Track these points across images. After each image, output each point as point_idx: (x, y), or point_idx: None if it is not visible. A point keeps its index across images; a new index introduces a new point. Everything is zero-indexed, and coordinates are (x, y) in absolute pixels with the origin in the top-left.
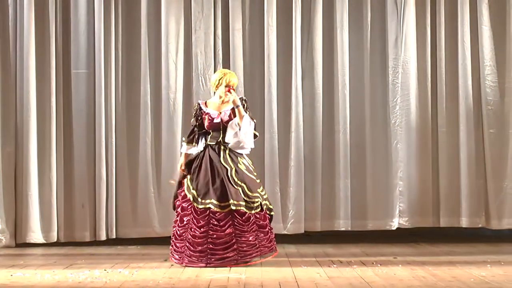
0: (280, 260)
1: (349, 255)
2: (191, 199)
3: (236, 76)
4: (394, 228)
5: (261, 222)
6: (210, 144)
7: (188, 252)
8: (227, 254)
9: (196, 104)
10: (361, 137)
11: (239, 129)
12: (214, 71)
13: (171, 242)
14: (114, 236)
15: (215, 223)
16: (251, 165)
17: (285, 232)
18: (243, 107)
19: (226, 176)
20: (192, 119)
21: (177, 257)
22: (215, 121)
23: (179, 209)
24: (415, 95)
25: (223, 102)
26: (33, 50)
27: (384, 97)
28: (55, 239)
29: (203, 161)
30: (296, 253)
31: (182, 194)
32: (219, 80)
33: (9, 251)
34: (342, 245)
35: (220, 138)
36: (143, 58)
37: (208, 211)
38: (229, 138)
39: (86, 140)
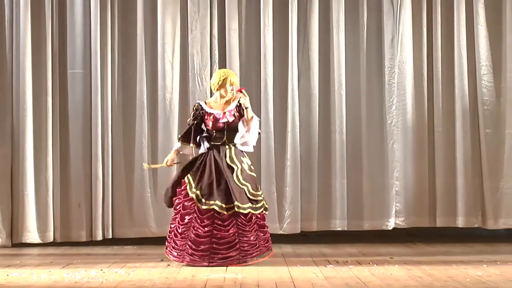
0: (277, 260)
1: (346, 255)
2: (195, 199)
3: (236, 76)
4: (390, 228)
5: (261, 222)
6: (214, 144)
7: (190, 251)
8: (230, 254)
9: (197, 104)
10: (357, 137)
11: (248, 130)
12: (211, 71)
13: (168, 239)
14: (110, 236)
15: (219, 223)
16: (251, 165)
17: (282, 232)
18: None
19: (232, 176)
20: (190, 119)
21: (175, 254)
22: (221, 121)
23: (179, 207)
24: (411, 95)
25: (230, 101)
26: (29, 50)
27: (380, 97)
28: (51, 239)
29: (207, 161)
30: (293, 253)
31: (183, 193)
32: (222, 80)
33: (5, 251)
34: (339, 245)
35: (225, 138)
36: (139, 58)
37: (212, 211)
38: (238, 138)
39: (82, 140)
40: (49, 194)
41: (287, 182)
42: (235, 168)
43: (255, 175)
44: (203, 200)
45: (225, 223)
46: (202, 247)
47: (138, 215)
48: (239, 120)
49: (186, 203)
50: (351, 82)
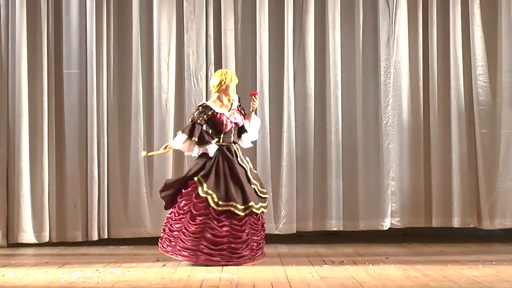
0: (272, 260)
1: (341, 255)
2: (210, 200)
3: (235, 75)
4: (386, 228)
5: (263, 220)
6: (223, 145)
7: (206, 250)
8: (245, 253)
9: (204, 104)
10: (353, 137)
11: (253, 130)
12: (206, 71)
13: (173, 239)
14: (106, 236)
15: (236, 222)
16: None
17: (277, 232)
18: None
19: (245, 176)
20: (196, 117)
21: (186, 254)
22: (232, 121)
23: (188, 208)
24: (407, 95)
25: (231, 101)
26: (25, 50)
27: (376, 97)
28: (47, 239)
29: (219, 162)
30: (288, 253)
31: (193, 194)
32: (225, 81)
33: (0, 251)
34: (334, 245)
35: (233, 139)
36: (135, 58)
37: (228, 212)
38: (246, 138)
39: (78, 140)
40: (44, 194)
41: (283, 182)
42: (246, 168)
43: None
44: (220, 202)
45: (241, 223)
46: (221, 246)
47: (134, 215)
48: (243, 120)
49: (198, 204)
50: (347, 82)
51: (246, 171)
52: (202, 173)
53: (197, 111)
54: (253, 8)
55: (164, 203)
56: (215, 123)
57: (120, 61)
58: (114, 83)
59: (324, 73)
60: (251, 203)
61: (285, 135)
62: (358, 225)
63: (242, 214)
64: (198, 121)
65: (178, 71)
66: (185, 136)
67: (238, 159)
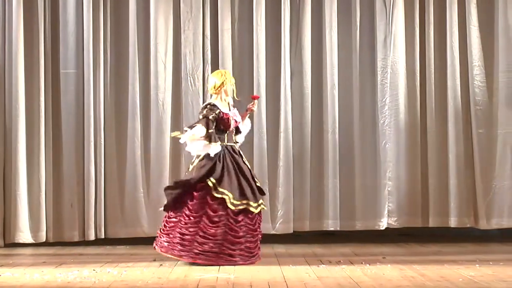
0: (269, 260)
1: (338, 255)
2: (228, 201)
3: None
4: (383, 228)
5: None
6: (227, 145)
7: (228, 252)
8: (257, 252)
9: (212, 103)
10: (350, 137)
11: (244, 132)
12: (203, 71)
13: (188, 243)
14: (103, 236)
15: (249, 222)
16: None
17: (274, 232)
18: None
19: (250, 175)
20: (207, 114)
21: (203, 257)
22: (236, 121)
23: (203, 212)
24: (404, 95)
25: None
26: (22, 50)
27: (373, 97)
28: (44, 239)
29: (227, 162)
30: (285, 253)
31: (208, 196)
32: (226, 81)
33: None
34: (331, 245)
35: (234, 138)
36: (132, 58)
37: (244, 211)
38: (240, 139)
39: (75, 140)
40: (41, 194)
41: (280, 182)
42: (249, 166)
43: None
44: (235, 202)
45: (253, 222)
46: (240, 246)
47: (131, 215)
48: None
49: (215, 206)
50: (344, 82)
51: (250, 170)
52: (214, 175)
53: (207, 109)
54: (250, 8)
55: (165, 202)
56: (221, 123)
57: (117, 60)
58: (111, 83)
59: (321, 72)
60: (261, 201)
61: (282, 134)
62: (355, 225)
63: (256, 211)
64: (211, 117)
65: (175, 71)
66: (204, 130)
67: (243, 158)
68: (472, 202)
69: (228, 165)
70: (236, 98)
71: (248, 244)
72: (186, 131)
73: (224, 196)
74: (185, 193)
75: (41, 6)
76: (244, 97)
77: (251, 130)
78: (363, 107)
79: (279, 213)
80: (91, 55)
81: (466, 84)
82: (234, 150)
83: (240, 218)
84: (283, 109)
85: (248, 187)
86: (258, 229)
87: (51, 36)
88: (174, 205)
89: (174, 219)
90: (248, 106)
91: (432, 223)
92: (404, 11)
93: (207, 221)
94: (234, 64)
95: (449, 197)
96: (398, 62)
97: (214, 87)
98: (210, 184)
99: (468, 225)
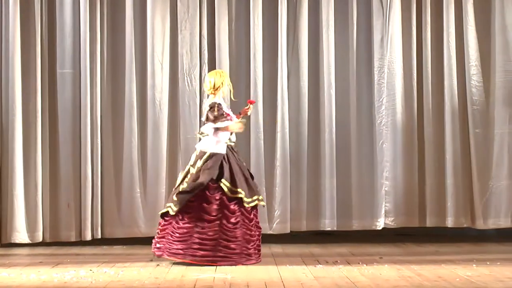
0: (266, 260)
1: (335, 255)
2: (245, 199)
3: None
4: (380, 228)
5: None
6: (229, 145)
7: (246, 252)
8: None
9: (219, 103)
10: (346, 136)
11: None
12: (200, 71)
13: (211, 247)
14: (99, 236)
15: (256, 218)
16: None
17: (271, 232)
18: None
19: (247, 171)
20: (219, 113)
21: (228, 260)
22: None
23: (223, 211)
24: (401, 95)
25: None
26: (19, 50)
27: (370, 96)
28: (40, 239)
29: (232, 162)
30: (282, 253)
31: (225, 197)
32: (224, 81)
33: None
34: (328, 245)
35: (231, 138)
36: (129, 58)
37: (255, 207)
38: (234, 137)
39: (71, 140)
40: (38, 194)
41: (277, 182)
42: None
43: None
44: (248, 200)
45: (258, 218)
46: (253, 243)
47: (127, 215)
48: None
49: (232, 207)
50: (341, 81)
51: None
52: (225, 176)
53: (218, 108)
54: (247, 8)
55: (173, 207)
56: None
57: (113, 60)
58: (108, 83)
59: (318, 72)
60: (260, 196)
61: (279, 134)
62: (352, 225)
63: (264, 205)
64: (214, 115)
65: (171, 71)
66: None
67: (240, 156)
68: (469, 202)
69: (234, 165)
70: (232, 99)
71: (258, 242)
72: (202, 133)
73: (240, 195)
74: (196, 197)
75: (38, 6)
76: (242, 97)
77: (248, 130)
78: (360, 107)
79: (276, 213)
80: (88, 55)
81: (463, 84)
82: (233, 149)
83: (252, 215)
84: (280, 108)
85: (253, 183)
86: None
87: (48, 36)
88: (186, 210)
89: (188, 224)
90: (243, 109)
91: (429, 223)
92: (401, 11)
93: (227, 223)
94: (231, 64)
95: (446, 197)
96: (395, 62)
97: (213, 87)
98: (224, 186)
99: (465, 225)
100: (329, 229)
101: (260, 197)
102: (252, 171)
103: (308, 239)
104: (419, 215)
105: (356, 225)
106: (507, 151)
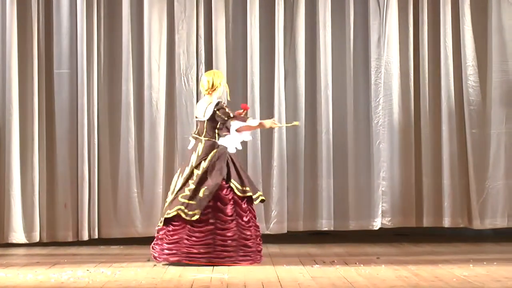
0: (263, 260)
1: (332, 255)
2: (254, 197)
3: None
4: (377, 228)
5: None
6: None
7: (259, 248)
8: None
9: (223, 101)
10: (343, 137)
11: None
12: (197, 71)
13: (232, 247)
14: (96, 236)
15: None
16: None
17: (268, 232)
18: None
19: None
20: (230, 112)
21: (248, 258)
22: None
23: (237, 210)
24: (398, 95)
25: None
26: (15, 50)
27: (367, 97)
28: (37, 239)
29: (234, 161)
30: (279, 253)
31: (236, 196)
32: (221, 82)
33: None
34: (325, 245)
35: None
36: (126, 58)
37: (253, 206)
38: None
39: (68, 140)
40: (35, 194)
41: (274, 182)
42: None
43: None
44: (254, 196)
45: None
46: (260, 241)
47: (124, 215)
48: None
49: (243, 205)
50: (338, 82)
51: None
52: (232, 176)
53: (226, 107)
54: (244, 8)
55: (199, 208)
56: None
57: (110, 61)
58: (105, 83)
59: (315, 73)
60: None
61: (276, 135)
62: (349, 225)
63: (264, 199)
64: (227, 115)
65: (168, 71)
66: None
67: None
68: (466, 202)
69: (236, 164)
70: (228, 99)
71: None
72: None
73: (249, 194)
74: (212, 198)
75: (35, 6)
76: (238, 97)
77: None
78: (357, 107)
79: (273, 213)
80: (85, 55)
81: (459, 84)
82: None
83: (254, 212)
84: (277, 109)
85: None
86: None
87: (45, 36)
88: (202, 212)
89: (207, 227)
90: (238, 112)
91: (426, 223)
92: (398, 11)
93: (243, 223)
94: (228, 64)
95: (443, 197)
96: (392, 62)
97: (212, 87)
98: (234, 186)
99: (462, 225)
100: (326, 229)
101: (260, 193)
102: (249, 171)
103: (305, 239)
104: (416, 215)
105: (353, 225)
106: (503, 151)
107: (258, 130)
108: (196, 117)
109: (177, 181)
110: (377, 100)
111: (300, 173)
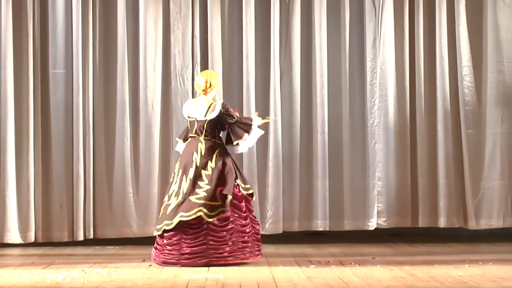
0: (259, 260)
1: (328, 255)
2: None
3: None
4: (372, 228)
5: None
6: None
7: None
8: None
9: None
10: (339, 137)
11: None
12: (193, 71)
13: (251, 244)
14: (91, 236)
15: None
16: None
17: (263, 233)
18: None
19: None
20: (235, 113)
21: (260, 254)
22: None
23: (247, 206)
24: (393, 95)
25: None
26: (11, 50)
27: (362, 97)
28: (32, 239)
29: (231, 158)
30: (275, 253)
31: (244, 195)
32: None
33: None
34: (321, 245)
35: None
36: (121, 58)
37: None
38: None
39: (64, 140)
40: (30, 194)
41: (269, 182)
42: None
43: None
44: (251, 192)
45: None
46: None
47: (120, 215)
48: None
49: (251, 202)
50: (333, 82)
51: None
52: (238, 175)
53: (229, 107)
54: (240, 8)
55: (227, 207)
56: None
57: (106, 61)
58: (100, 83)
59: (310, 73)
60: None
61: (271, 135)
62: (344, 225)
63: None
64: (234, 116)
65: (164, 71)
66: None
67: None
68: (462, 202)
69: (234, 162)
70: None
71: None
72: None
73: (251, 191)
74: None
75: (30, 6)
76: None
77: None
78: (353, 108)
79: (268, 213)
80: (80, 55)
81: (455, 85)
82: None
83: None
84: (272, 109)
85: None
86: None
87: (40, 36)
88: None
89: (229, 225)
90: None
91: (421, 223)
92: (393, 12)
93: (254, 219)
94: (223, 65)
95: (439, 198)
96: (388, 63)
97: (209, 87)
98: (240, 184)
99: (457, 226)
100: (321, 229)
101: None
102: (244, 171)
103: (300, 239)
104: (411, 215)
105: (348, 226)
106: (499, 152)
107: None
108: (190, 117)
109: (180, 183)
110: (373, 100)
111: (296, 174)
